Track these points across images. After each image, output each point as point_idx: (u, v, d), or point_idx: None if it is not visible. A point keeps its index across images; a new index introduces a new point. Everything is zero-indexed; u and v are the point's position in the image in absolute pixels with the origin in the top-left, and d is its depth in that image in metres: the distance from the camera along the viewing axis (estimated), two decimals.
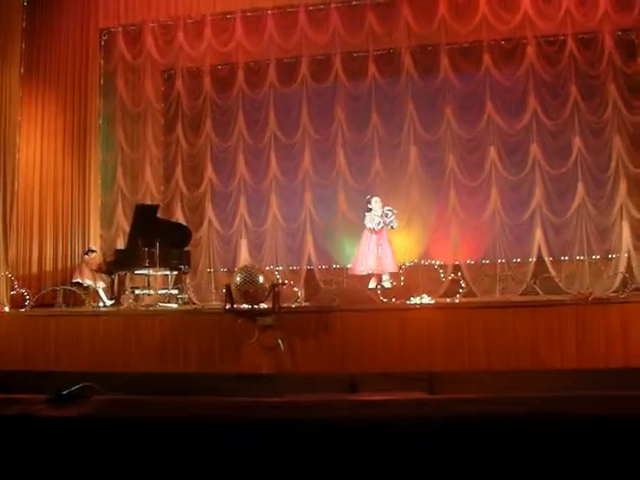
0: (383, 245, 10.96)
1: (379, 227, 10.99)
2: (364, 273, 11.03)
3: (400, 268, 10.54)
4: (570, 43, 11.35)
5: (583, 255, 11.17)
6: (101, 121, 12.94)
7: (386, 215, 10.98)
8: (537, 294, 9.43)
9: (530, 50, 11.53)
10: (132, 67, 12.90)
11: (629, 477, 1.86)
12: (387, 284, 10.67)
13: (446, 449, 1.94)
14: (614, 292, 9.81)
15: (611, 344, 8.29)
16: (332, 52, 12.21)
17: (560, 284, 10.53)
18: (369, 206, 11.08)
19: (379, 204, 11.05)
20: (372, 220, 11.00)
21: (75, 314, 10.13)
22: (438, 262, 10.92)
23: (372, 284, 10.75)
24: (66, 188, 12.68)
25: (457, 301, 9.67)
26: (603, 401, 2.14)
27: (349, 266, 11.55)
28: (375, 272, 10.94)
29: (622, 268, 10.74)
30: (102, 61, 12.96)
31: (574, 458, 1.88)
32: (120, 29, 12.78)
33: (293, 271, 12.15)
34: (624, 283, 9.90)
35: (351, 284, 10.99)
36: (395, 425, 2.03)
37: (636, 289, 9.78)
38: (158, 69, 13.23)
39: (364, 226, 11.15)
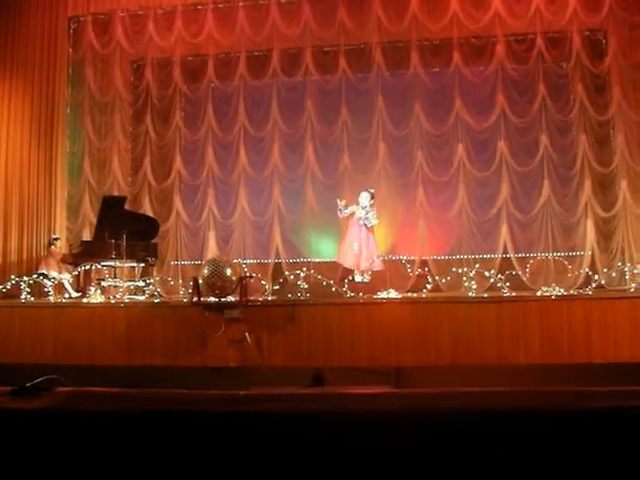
0: (361, 241, 10.92)
1: (359, 221, 10.96)
2: (346, 265, 11.05)
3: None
4: (539, 42, 11.45)
5: (548, 252, 11.27)
6: (69, 110, 12.82)
7: (365, 208, 10.99)
8: (502, 290, 9.53)
9: (499, 48, 11.60)
10: (101, 56, 12.76)
11: (597, 471, 1.89)
12: (358, 278, 10.69)
13: (412, 444, 1.95)
14: (578, 289, 9.96)
15: (574, 340, 8.41)
16: (303, 46, 12.19)
17: (525, 280, 10.66)
18: (359, 199, 11.09)
19: (364, 199, 11.03)
20: (355, 213, 11.01)
21: (40, 306, 10.02)
22: (405, 257, 10.97)
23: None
24: (32, 178, 12.51)
25: (424, 296, 9.74)
26: (570, 396, 2.17)
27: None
28: (352, 267, 10.93)
29: (586, 265, 10.88)
30: (70, 50, 12.80)
31: (540, 453, 1.91)
32: (89, 18, 12.63)
33: (261, 264, 12.12)
34: (587, 280, 10.07)
35: (318, 278, 11.02)
36: (360, 419, 2.04)
37: (599, 286, 9.93)
38: (127, 59, 13.08)
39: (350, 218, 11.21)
